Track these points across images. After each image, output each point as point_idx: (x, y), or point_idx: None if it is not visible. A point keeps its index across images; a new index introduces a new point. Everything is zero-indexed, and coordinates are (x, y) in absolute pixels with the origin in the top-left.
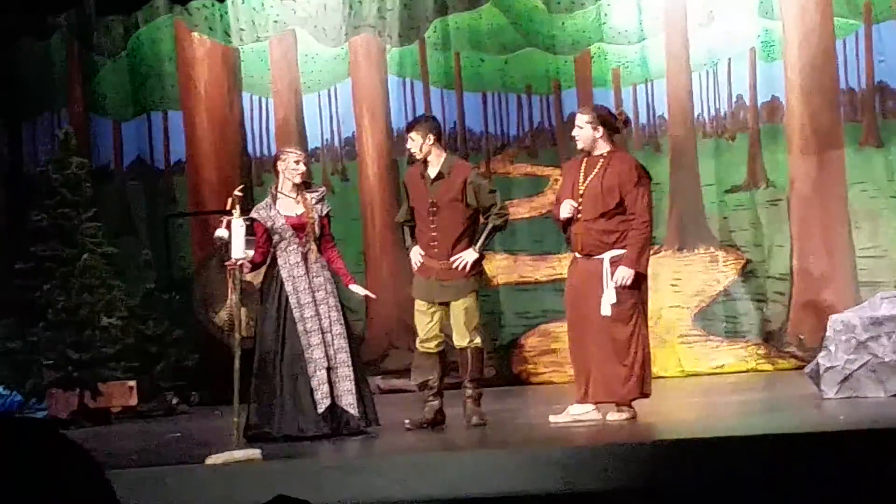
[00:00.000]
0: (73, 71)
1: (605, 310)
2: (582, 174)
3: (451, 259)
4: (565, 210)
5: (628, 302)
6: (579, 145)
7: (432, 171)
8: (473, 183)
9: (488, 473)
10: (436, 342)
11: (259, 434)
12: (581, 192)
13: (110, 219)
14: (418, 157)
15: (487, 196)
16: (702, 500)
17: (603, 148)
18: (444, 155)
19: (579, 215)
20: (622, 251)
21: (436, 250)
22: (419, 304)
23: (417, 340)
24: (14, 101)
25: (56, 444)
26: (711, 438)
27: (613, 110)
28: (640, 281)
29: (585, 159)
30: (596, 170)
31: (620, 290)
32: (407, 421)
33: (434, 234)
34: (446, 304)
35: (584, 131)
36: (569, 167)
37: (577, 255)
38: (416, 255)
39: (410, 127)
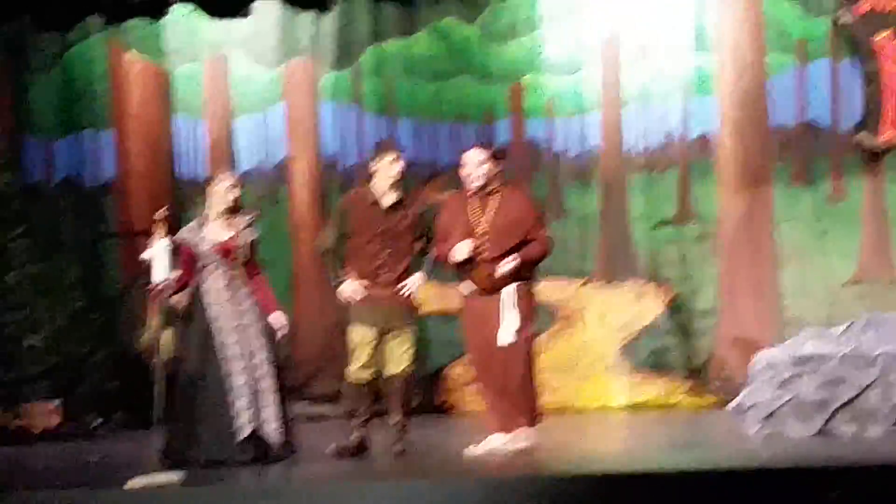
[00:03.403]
0: (4, 87)
1: (507, 338)
2: (476, 211)
3: (399, 285)
4: (463, 252)
5: (525, 332)
6: (479, 182)
7: (387, 199)
8: (427, 212)
9: (410, 502)
10: (371, 370)
11: (179, 459)
12: (483, 230)
13: (39, 237)
14: (396, 179)
15: (432, 225)
16: None
17: (494, 183)
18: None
19: (483, 255)
20: (523, 282)
21: (383, 277)
22: (363, 333)
23: (353, 368)
24: None
25: None
26: (634, 473)
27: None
28: (531, 311)
29: (472, 197)
30: (494, 206)
31: (522, 319)
32: (333, 446)
33: (383, 261)
34: (386, 332)
35: (483, 168)
36: (452, 206)
37: (474, 292)
38: (353, 287)
39: (396, 147)
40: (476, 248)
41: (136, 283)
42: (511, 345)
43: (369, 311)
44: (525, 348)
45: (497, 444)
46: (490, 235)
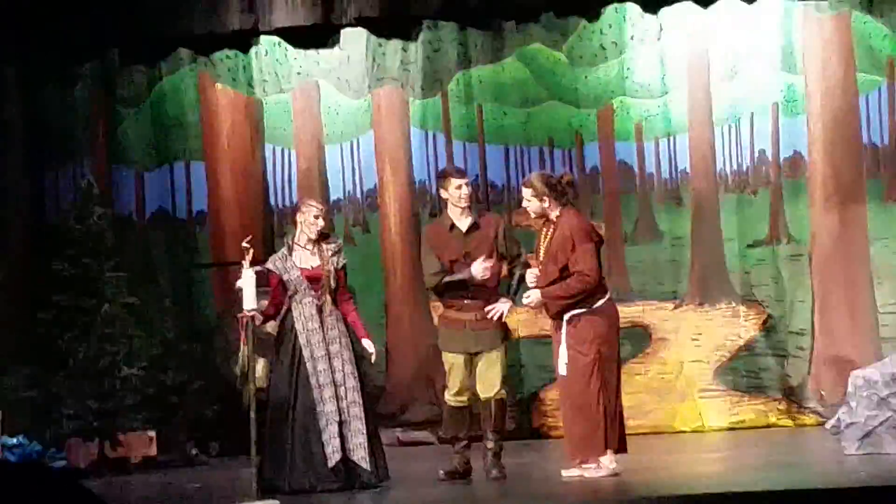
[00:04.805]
0: (97, 120)
1: (561, 369)
2: (542, 239)
3: (486, 309)
4: (530, 279)
5: (585, 359)
6: (532, 216)
7: (464, 223)
8: (506, 232)
9: None
10: (468, 394)
11: (271, 486)
12: (542, 258)
13: (132, 268)
14: (467, 203)
15: (515, 245)
16: None
17: (554, 212)
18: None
19: (539, 283)
20: (583, 310)
21: (469, 302)
22: (454, 358)
23: (450, 392)
24: (38, 150)
25: (73, 492)
26: (732, 493)
27: (562, 172)
28: (595, 337)
29: (545, 225)
30: (548, 236)
31: (575, 349)
32: (441, 471)
33: (469, 285)
34: (475, 356)
35: (532, 204)
36: (538, 232)
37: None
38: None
39: (462, 172)
40: (538, 276)
41: (229, 312)
42: (570, 374)
43: (456, 337)
44: (586, 377)
45: (579, 472)
46: (542, 264)
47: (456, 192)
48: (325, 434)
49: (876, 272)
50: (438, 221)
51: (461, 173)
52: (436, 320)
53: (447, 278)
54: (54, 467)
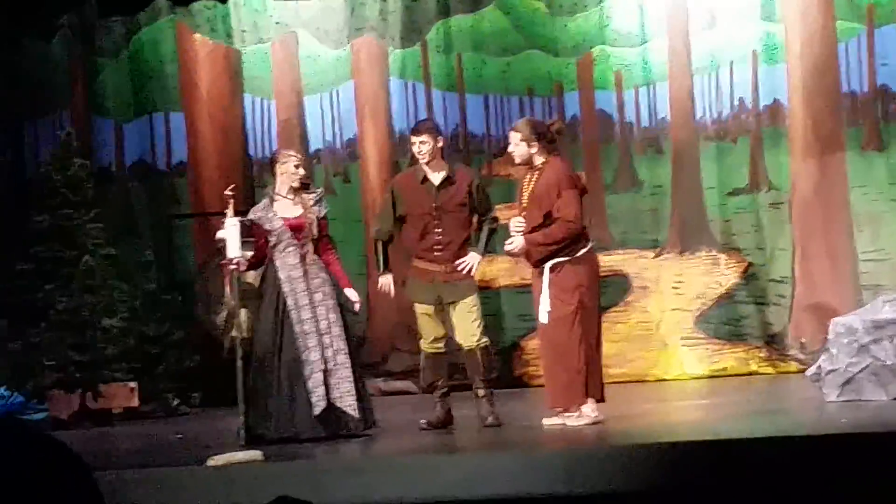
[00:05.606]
0: (76, 72)
1: (542, 317)
2: (525, 186)
3: (457, 262)
4: (514, 226)
5: (566, 308)
6: (517, 161)
7: (436, 177)
8: (479, 186)
9: (490, 475)
10: (443, 342)
11: (256, 435)
12: (524, 205)
13: (112, 220)
14: (426, 160)
15: (487, 199)
16: (703, 502)
17: (539, 159)
18: (443, 160)
19: (523, 228)
20: (565, 258)
21: (439, 254)
22: (424, 308)
23: (425, 342)
24: (16, 102)
25: (44, 445)
26: (713, 441)
27: (549, 119)
28: (577, 286)
29: (528, 172)
30: (532, 182)
31: (557, 297)
32: (423, 421)
33: (439, 238)
34: (447, 305)
35: (519, 148)
36: (521, 180)
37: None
38: (388, 281)
39: (420, 129)
40: (519, 224)
41: (210, 263)
42: (550, 323)
43: (425, 288)
44: (567, 326)
45: (561, 420)
46: (526, 211)
47: (415, 149)
48: (309, 382)
49: (856, 220)
50: (411, 172)
51: (418, 131)
52: None
53: (380, 251)
54: (27, 419)
